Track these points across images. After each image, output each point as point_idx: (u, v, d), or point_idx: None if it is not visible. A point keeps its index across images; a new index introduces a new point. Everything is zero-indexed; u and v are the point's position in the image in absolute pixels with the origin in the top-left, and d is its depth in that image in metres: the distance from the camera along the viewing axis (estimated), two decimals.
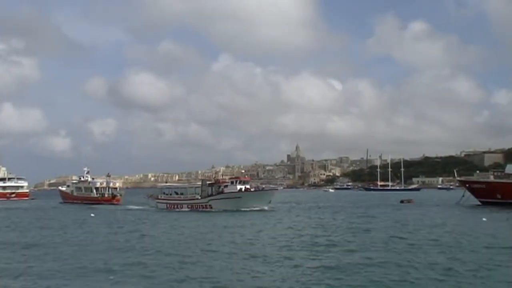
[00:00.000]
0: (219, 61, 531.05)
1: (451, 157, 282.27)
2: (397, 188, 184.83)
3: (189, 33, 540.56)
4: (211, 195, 62.99)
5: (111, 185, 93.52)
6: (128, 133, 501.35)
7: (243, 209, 58.51)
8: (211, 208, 61.40)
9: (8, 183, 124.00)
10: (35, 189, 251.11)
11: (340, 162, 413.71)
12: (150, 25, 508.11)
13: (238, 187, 62.39)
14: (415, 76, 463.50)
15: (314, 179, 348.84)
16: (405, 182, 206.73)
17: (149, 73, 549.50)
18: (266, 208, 60.28)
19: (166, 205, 67.75)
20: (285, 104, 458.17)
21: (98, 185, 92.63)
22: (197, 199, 64.23)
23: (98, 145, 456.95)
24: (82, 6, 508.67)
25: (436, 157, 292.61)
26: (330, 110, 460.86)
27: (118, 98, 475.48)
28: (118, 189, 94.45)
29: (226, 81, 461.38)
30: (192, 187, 70.56)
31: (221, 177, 71.20)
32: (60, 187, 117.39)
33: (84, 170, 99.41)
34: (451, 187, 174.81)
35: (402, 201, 79.77)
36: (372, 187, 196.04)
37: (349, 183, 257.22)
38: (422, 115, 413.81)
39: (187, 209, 63.57)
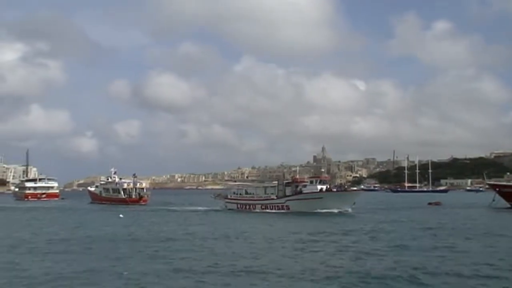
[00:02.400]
0: (240, 63, 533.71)
1: (480, 158, 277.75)
2: (425, 189, 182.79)
3: (209, 34, 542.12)
4: (288, 195, 59.96)
5: (138, 185, 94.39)
6: (152, 134, 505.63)
7: (323, 210, 55.43)
8: (288, 209, 58.39)
9: (39, 184, 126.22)
10: (65, 189, 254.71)
11: (366, 163, 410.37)
12: (170, 27, 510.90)
13: (319, 187, 59.20)
14: (439, 76, 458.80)
15: (340, 181, 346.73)
16: (433, 184, 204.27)
17: (171, 75, 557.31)
18: (349, 210, 56.82)
19: (237, 206, 64.96)
20: (307, 105, 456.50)
21: (125, 186, 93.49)
22: (272, 199, 61.17)
23: (124, 146, 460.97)
24: (103, 9, 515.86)
25: (465, 159, 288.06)
26: (353, 111, 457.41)
27: (141, 99, 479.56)
28: (144, 190, 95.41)
29: (248, 82, 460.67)
30: (266, 186, 66.99)
31: (297, 176, 68.07)
32: (89, 188, 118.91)
33: (111, 171, 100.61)
34: (480, 189, 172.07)
35: (429, 203, 78.85)
36: (399, 189, 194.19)
37: (376, 185, 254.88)
38: (447, 116, 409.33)
39: (259, 210, 61.04)
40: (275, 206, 60.10)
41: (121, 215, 58.29)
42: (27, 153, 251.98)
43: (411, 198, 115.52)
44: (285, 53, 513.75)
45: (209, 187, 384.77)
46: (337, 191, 61.20)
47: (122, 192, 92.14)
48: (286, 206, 58.90)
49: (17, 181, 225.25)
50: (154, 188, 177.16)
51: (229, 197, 68.18)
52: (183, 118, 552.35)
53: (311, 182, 61.00)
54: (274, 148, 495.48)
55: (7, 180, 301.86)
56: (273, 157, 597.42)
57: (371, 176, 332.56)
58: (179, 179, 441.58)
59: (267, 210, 60.04)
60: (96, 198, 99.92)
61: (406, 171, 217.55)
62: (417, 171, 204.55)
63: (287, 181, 63.66)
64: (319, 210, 55.34)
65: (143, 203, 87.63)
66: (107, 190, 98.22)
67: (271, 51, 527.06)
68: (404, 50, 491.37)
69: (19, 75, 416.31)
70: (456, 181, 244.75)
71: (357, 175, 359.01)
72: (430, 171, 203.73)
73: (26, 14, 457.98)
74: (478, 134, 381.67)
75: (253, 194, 65.66)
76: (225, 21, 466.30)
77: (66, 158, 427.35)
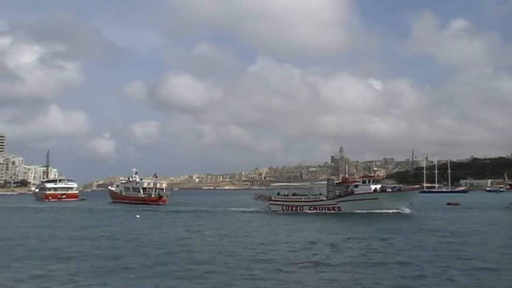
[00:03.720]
0: (256, 63, 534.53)
1: (501, 158, 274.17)
2: (444, 190, 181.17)
3: (224, 35, 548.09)
4: (339, 195, 58.52)
5: (158, 185, 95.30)
6: (169, 135, 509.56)
7: (378, 211, 53.86)
8: (340, 210, 56.63)
9: (59, 185, 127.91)
10: (84, 190, 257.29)
11: (385, 163, 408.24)
12: (186, 28, 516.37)
13: (372, 187, 57.85)
14: (457, 75, 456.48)
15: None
16: (452, 184, 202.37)
17: (187, 76, 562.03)
18: (407, 210, 55.46)
19: (282, 207, 62.51)
20: (324, 105, 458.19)
21: (145, 185, 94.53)
22: (322, 200, 59.40)
23: (141, 146, 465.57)
24: (118, 11, 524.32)
25: (485, 159, 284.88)
26: (370, 111, 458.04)
27: (158, 100, 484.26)
28: (164, 190, 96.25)
29: (264, 82, 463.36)
30: (314, 187, 64.81)
31: (348, 176, 68.21)
32: (109, 187, 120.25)
33: (133, 171, 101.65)
34: (501, 189, 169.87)
35: (448, 204, 78.41)
36: None
37: (394, 185, 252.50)
38: (466, 115, 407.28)
39: (308, 212, 58.83)
40: (325, 207, 58.28)
41: (138, 216, 58.45)
42: (47, 154, 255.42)
43: (430, 198, 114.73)
44: (300, 53, 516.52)
45: (227, 187, 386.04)
46: (392, 191, 59.33)
47: (142, 192, 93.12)
48: (337, 207, 57.20)
49: (37, 181, 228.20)
50: (172, 189, 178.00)
51: (273, 198, 65.35)
52: (200, 119, 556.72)
53: (364, 182, 59.46)
54: (291, 148, 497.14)
55: (28, 180, 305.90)
56: (290, 157, 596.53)
57: (389, 177, 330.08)
58: (196, 180, 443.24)
59: (316, 211, 58.06)
60: (116, 197, 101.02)
61: (424, 171, 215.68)
62: (436, 171, 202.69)
63: (337, 181, 62.06)
64: (373, 211, 53.84)
65: (162, 203, 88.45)
66: (127, 189, 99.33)
67: (286, 51, 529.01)
68: (421, 49, 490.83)
69: (37, 77, 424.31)
70: (476, 182, 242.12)
71: (375, 175, 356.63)
72: (449, 171, 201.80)
73: (43, 17, 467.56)
74: (498, 134, 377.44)
75: (300, 195, 63.28)
76: (240, 22, 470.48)
77: (85, 159, 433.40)
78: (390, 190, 59.37)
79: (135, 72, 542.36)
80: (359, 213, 54.01)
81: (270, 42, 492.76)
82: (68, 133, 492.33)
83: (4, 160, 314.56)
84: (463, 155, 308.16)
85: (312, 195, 61.51)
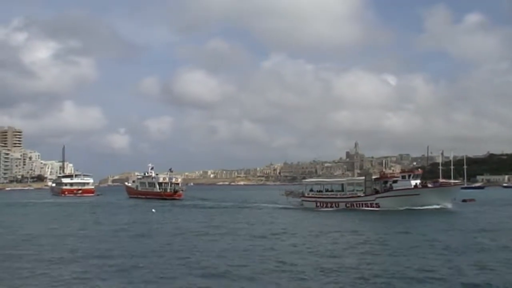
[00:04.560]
0: (268, 58, 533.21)
1: None
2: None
3: (237, 30, 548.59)
4: (378, 191, 56.77)
5: (173, 180, 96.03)
6: (183, 130, 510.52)
7: (419, 207, 52.16)
8: (378, 206, 54.93)
9: (75, 180, 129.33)
10: (100, 185, 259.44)
11: (400, 159, 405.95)
12: (198, 23, 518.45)
13: (413, 182, 56.05)
14: (471, 70, 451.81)
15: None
16: (468, 180, 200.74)
17: (200, 71, 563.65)
18: (450, 206, 53.96)
19: (316, 204, 60.72)
20: (338, 100, 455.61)
21: (160, 180, 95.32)
22: (359, 196, 57.62)
23: (156, 142, 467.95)
24: (131, 7, 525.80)
25: (502, 154, 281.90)
26: (384, 106, 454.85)
27: (171, 96, 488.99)
28: (180, 185, 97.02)
29: (277, 78, 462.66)
30: (351, 182, 63.14)
31: (387, 171, 65.08)
32: (126, 183, 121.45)
33: (149, 166, 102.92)
34: None
35: (464, 200, 77.71)
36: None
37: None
38: (481, 111, 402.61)
39: (344, 208, 57.11)
40: (362, 203, 56.56)
41: (153, 210, 59.11)
42: (63, 150, 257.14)
43: None
44: (313, 48, 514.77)
45: (241, 183, 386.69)
46: (434, 186, 57.32)
47: (157, 187, 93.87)
48: (375, 203, 55.60)
49: (54, 177, 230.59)
50: (187, 184, 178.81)
51: (306, 194, 63.66)
52: (213, 114, 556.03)
53: (403, 177, 57.73)
54: (305, 144, 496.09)
55: (45, 176, 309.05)
56: (304, 153, 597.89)
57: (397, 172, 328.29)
58: (211, 175, 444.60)
59: (353, 208, 56.38)
60: (132, 193, 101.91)
61: (440, 167, 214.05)
62: (452, 167, 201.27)
63: (375, 177, 60.65)
64: (414, 207, 52.30)
65: (177, 197, 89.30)
66: (143, 184, 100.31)
67: (299, 47, 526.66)
68: (435, 44, 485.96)
69: (52, 72, 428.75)
70: (492, 178, 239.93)
71: (390, 171, 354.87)
72: (465, 167, 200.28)
73: (58, 13, 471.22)
74: None
75: (336, 191, 61.64)
76: (253, 17, 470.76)
77: (100, 154, 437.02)
78: (431, 185, 57.54)
79: (149, 68, 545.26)
80: (399, 209, 52.18)
81: (283, 37, 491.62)
82: (84, 129, 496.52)
83: (21, 155, 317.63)
84: (479, 151, 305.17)
85: (348, 191, 60.00)
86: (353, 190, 59.43)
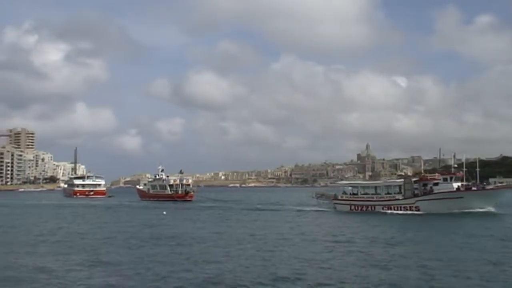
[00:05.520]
0: (278, 60, 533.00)
1: None
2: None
3: (246, 32, 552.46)
4: (416, 194, 54.68)
5: (184, 181, 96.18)
6: (194, 132, 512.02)
7: (461, 211, 50.22)
8: (418, 210, 52.93)
9: (87, 181, 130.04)
10: (112, 186, 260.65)
11: (412, 161, 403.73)
12: (208, 25, 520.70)
13: (455, 185, 54.21)
14: (482, 72, 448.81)
15: (385, 179, 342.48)
16: (481, 183, 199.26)
17: (210, 73, 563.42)
18: (493, 210, 52.11)
19: (350, 207, 59.01)
20: (348, 102, 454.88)
21: (171, 182, 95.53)
22: (397, 199, 55.54)
23: (167, 143, 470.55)
24: (141, 9, 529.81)
25: None
26: (394, 108, 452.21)
27: (182, 97, 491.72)
28: (190, 186, 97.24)
29: (287, 79, 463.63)
30: (389, 185, 59.81)
31: (423, 173, 62.33)
32: (137, 186, 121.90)
33: (159, 169, 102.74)
34: None
35: None
36: None
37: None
38: (493, 112, 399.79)
39: (381, 211, 54.93)
40: (401, 207, 54.48)
41: (164, 212, 59.04)
42: (75, 151, 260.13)
43: None
44: (323, 50, 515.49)
45: (252, 184, 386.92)
46: (477, 189, 55.10)
47: (168, 189, 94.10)
48: (415, 207, 53.52)
49: (66, 178, 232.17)
50: (198, 186, 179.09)
51: (339, 197, 61.80)
52: (224, 116, 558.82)
53: (445, 179, 55.55)
54: (315, 146, 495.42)
55: (57, 177, 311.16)
56: (315, 155, 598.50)
57: (416, 174, 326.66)
58: (222, 177, 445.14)
59: (391, 211, 54.24)
60: (144, 195, 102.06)
61: (453, 170, 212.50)
62: (464, 169, 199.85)
63: (414, 179, 58.16)
64: (456, 211, 50.43)
65: (189, 199, 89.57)
66: (154, 187, 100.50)
67: (309, 48, 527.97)
68: (445, 45, 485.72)
69: (63, 74, 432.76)
70: (506, 180, 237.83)
71: (402, 173, 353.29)
72: (478, 169, 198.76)
73: (69, 15, 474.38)
74: None
75: (372, 194, 59.72)
76: (263, 19, 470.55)
77: (112, 155, 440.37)
78: (475, 188, 55.38)
79: (159, 69, 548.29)
80: (440, 213, 50.28)
81: (292, 39, 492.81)
82: (95, 130, 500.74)
83: (34, 157, 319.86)
84: (492, 153, 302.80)
85: (386, 193, 57.56)
86: (391, 193, 57.08)
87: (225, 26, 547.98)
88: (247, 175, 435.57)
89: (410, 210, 53.45)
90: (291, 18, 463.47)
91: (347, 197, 61.06)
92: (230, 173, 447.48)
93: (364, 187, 64.24)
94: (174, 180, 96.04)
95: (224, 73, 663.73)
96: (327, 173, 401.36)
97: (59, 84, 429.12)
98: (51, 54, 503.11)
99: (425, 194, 54.28)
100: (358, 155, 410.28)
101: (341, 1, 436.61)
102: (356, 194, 61.01)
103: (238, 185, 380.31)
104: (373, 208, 56.67)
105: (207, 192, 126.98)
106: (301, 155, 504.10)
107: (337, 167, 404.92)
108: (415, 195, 54.57)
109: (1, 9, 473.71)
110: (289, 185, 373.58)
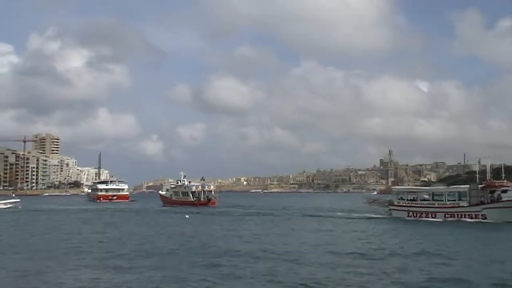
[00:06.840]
0: (298, 65, 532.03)
1: None
2: None
3: (266, 36, 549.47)
4: (482, 202, 51.91)
5: (206, 188, 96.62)
6: (215, 137, 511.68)
7: None
8: (485, 218, 49.82)
9: (110, 186, 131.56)
10: (135, 191, 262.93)
11: (435, 167, 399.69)
12: (227, 29, 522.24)
13: None
14: (505, 76, 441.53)
15: (408, 185, 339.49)
16: None
17: (230, 78, 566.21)
18: None
19: (408, 213, 56.39)
20: (369, 107, 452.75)
21: (194, 189, 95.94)
22: (462, 206, 52.81)
23: (188, 149, 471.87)
24: (159, 13, 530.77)
25: None
26: (416, 113, 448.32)
27: (202, 102, 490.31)
28: (212, 192, 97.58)
29: (307, 84, 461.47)
30: (453, 191, 57.00)
31: (490, 179, 59.18)
32: (160, 192, 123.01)
33: (181, 175, 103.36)
34: None
35: None
36: None
37: None
38: None
39: (441, 219, 52.32)
40: (466, 214, 51.69)
41: (187, 216, 59.58)
42: (99, 156, 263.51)
43: None
44: (343, 54, 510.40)
45: (274, 190, 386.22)
46: None
47: (191, 195, 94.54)
48: (482, 215, 50.52)
49: (90, 183, 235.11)
50: (220, 191, 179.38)
51: (396, 203, 59.27)
52: (244, 121, 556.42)
53: None
54: (337, 151, 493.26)
55: (81, 182, 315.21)
56: (336, 160, 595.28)
57: (440, 181, 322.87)
58: (244, 182, 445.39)
59: (454, 219, 51.63)
60: (167, 202, 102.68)
61: (477, 175, 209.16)
62: (489, 175, 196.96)
63: (481, 186, 54.61)
64: None
65: (211, 205, 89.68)
66: (176, 193, 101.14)
67: (329, 52, 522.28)
68: (467, 50, 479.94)
69: (86, 80, 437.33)
70: None
71: (426, 179, 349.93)
72: (503, 175, 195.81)
73: (89, 21, 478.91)
74: None
75: (433, 200, 56.75)
76: (282, 23, 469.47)
77: (134, 160, 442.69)
78: None
79: (179, 74, 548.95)
80: (509, 222, 46.66)
81: (312, 43, 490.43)
82: (118, 135, 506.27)
83: (58, 162, 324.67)
84: None
85: (449, 200, 54.82)
86: (455, 200, 54.45)
87: (244, 31, 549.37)
88: (269, 181, 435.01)
89: (476, 218, 50.68)
90: (310, 23, 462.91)
91: (405, 203, 58.53)
92: (252, 179, 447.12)
93: (423, 192, 61.15)
94: (197, 187, 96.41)
95: (244, 78, 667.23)
96: (349, 178, 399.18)
97: (81, 90, 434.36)
98: (74, 61, 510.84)
99: (492, 201, 51.70)
100: (381, 161, 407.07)
101: (361, 5, 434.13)
102: (415, 200, 58.43)
103: (260, 190, 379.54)
104: (433, 215, 54.00)
105: (229, 198, 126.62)
106: (322, 160, 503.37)
107: (360, 172, 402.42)
108: (482, 203, 51.94)
109: (26, 17, 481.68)
110: (311, 190, 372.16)
